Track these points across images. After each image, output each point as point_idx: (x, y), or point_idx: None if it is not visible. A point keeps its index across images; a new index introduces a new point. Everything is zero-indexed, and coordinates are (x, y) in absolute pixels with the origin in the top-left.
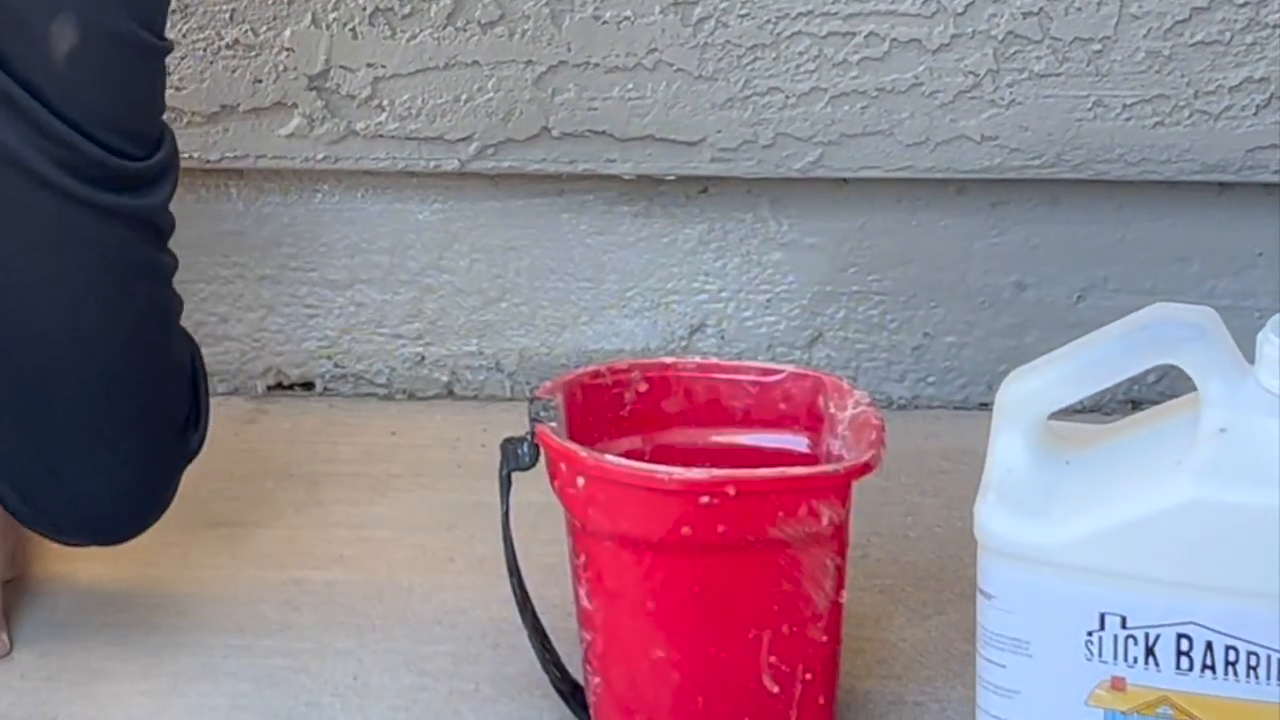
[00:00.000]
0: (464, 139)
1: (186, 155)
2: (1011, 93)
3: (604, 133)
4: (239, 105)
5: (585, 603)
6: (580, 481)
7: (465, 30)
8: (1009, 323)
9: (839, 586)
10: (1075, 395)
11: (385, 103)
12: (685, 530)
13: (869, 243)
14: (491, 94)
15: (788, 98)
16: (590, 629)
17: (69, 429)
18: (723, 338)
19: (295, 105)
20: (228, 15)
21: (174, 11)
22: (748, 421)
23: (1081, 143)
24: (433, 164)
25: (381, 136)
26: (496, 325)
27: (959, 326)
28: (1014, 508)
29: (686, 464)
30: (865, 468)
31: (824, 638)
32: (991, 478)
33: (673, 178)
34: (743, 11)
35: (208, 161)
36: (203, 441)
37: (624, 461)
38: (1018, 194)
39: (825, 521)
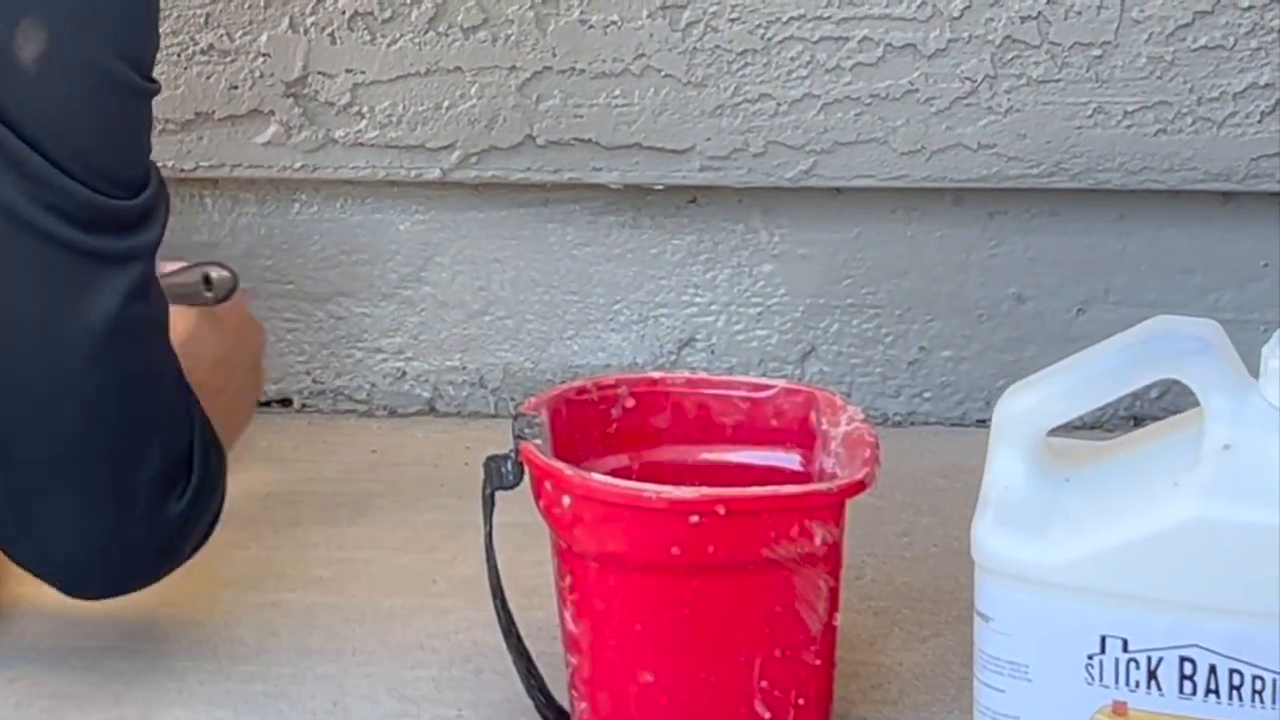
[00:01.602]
0: (446, 147)
1: (160, 164)
2: (1009, 99)
3: (590, 141)
4: (214, 112)
5: (571, 626)
6: (566, 501)
7: (447, 35)
8: (1007, 336)
9: (832, 609)
10: (1075, 411)
11: (365, 110)
12: (674, 551)
13: (863, 254)
14: (474, 101)
15: (779, 105)
16: (576, 653)
17: (39, 473)
18: (713, 352)
19: (272, 112)
20: (202, 19)
21: None
22: (738, 438)
23: (1081, 151)
24: (414, 173)
25: (361, 145)
26: (480, 340)
27: (956, 340)
28: (1012, 527)
29: (675, 482)
30: (859, 486)
31: (817, 661)
32: (989, 496)
33: (661, 187)
34: (733, 16)
35: (182, 170)
36: (199, 507)
37: (610, 480)
38: (1016, 204)
39: (818, 541)
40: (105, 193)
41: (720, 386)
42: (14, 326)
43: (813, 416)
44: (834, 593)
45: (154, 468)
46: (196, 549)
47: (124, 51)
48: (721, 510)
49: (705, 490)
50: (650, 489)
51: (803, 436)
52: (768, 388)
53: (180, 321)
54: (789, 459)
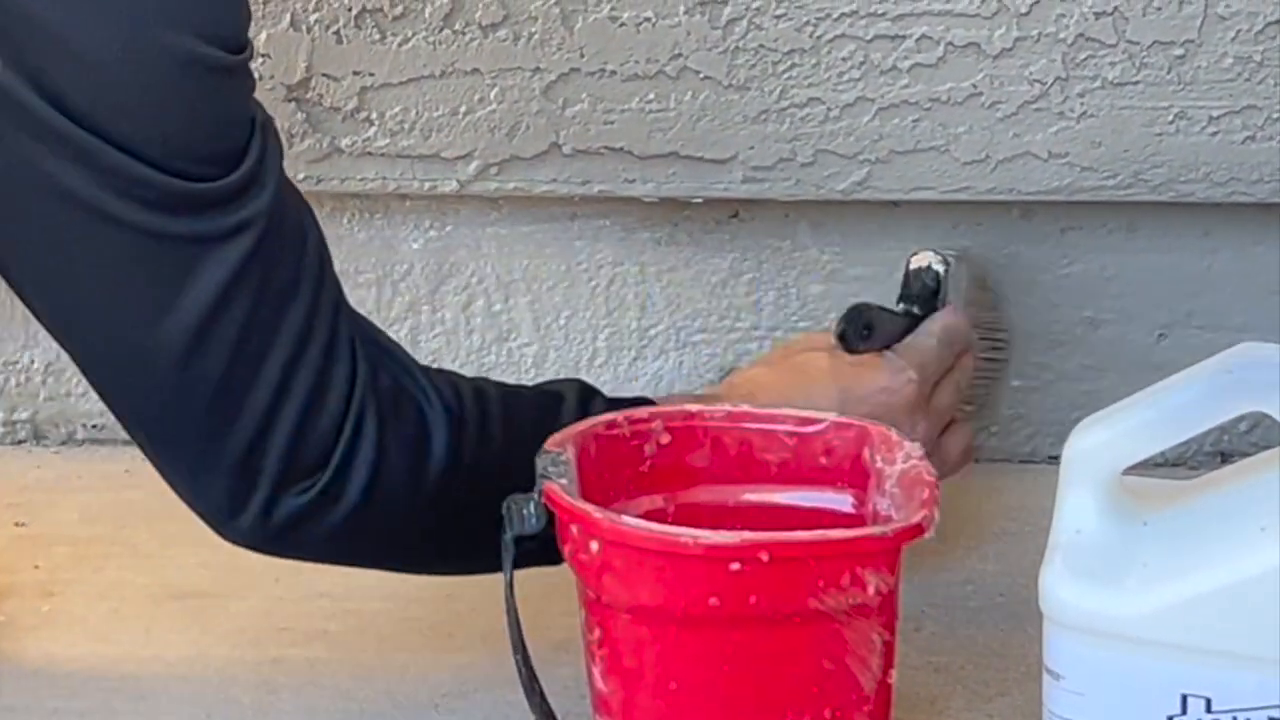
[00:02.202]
0: (463, 157)
1: None
2: (1082, 104)
3: (622, 149)
4: None
5: (600, 684)
6: (594, 546)
7: (464, 34)
8: (1081, 364)
9: (887, 665)
10: (1154, 447)
11: (374, 116)
12: (713, 601)
13: None
14: (494, 106)
15: (830, 110)
16: (606, 714)
17: (157, 452)
18: None
19: (272, 118)
20: None
21: None
22: (784, 478)
23: (1162, 160)
24: (428, 185)
25: (370, 154)
26: (500, 368)
27: (1025, 369)
28: (1084, 575)
29: (714, 526)
30: (917, 530)
31: None
32: (1059, 541)
33: (700, 200)
34: (778, 12)
35: None
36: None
37: (643, 523)
38: (1090, 218)
39: (872, 591)
40: (197, 175)
41: (764, 420)
42: (110, 305)
43: (866, 453)
44: (889, 647)
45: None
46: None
47: (206, 30)
48: (765, 557)
49: (747, 535)
50: (687, 533)
51: (855, 475)
52: (816, 422)
53: None
54: (840, 500)
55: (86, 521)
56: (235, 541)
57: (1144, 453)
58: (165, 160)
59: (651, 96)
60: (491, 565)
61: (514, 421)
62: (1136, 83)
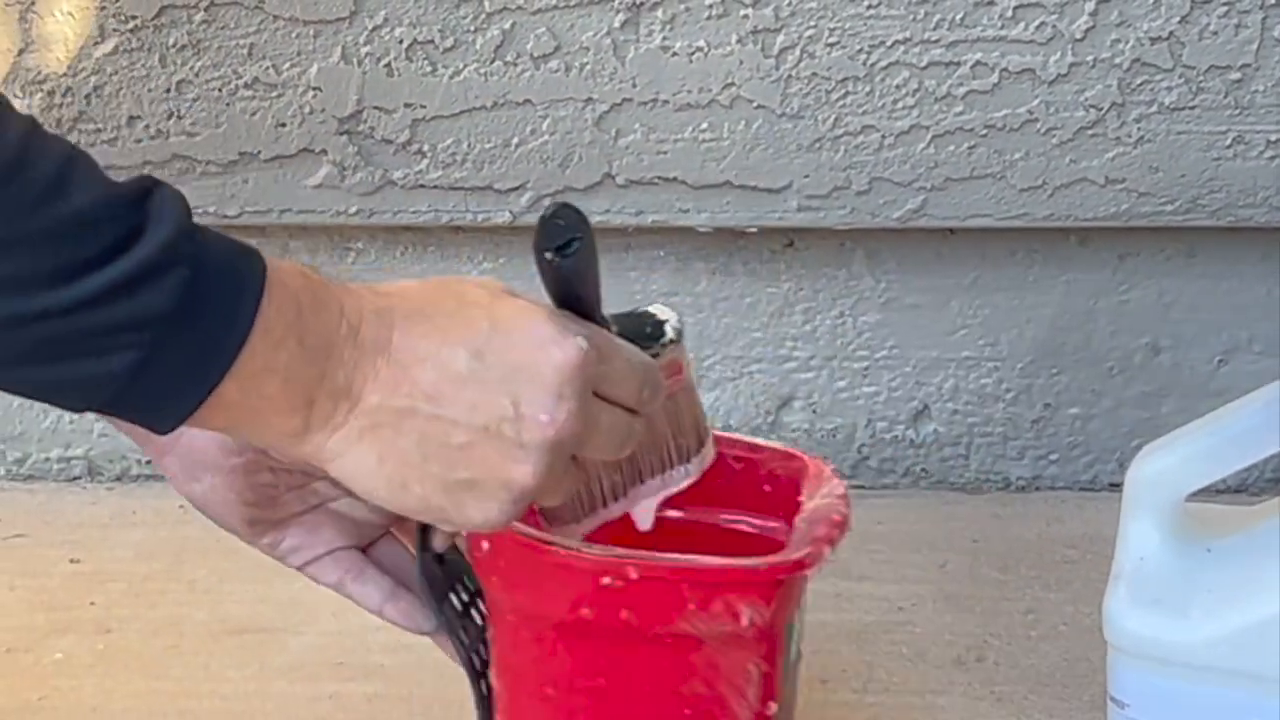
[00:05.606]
0: (516, 188)
1: (200, 209)
2: (1139, 129)
3: (675, 179)
4: (260, 153)
5: (495, 680)
6: (485, 545)
7: (516, 65)
8: (1141, 391)
9: (766, 696)
10: (1217, 474)
11: (426, 148)
12: (585, 612)
13: (980, 301)
14: (547, 137)
15: (884, 137)
16: (500, 709)
17: None
18: (814, 411)
19: (324, 152)
20: (245, 51)
21: (184, 48)
22: (726, 501)
23: (1220, 185)
24: (481, 217)
25: (422, 186)
26: None
27: (1084, 396)
28: (1149, 603)
29: (644, 541)
30: (796, 566)
31: None
32: (1123, 569)
33: (754, 230)
34: (831, 40)
35: (225, 216)
36: None
37: (525, 529)
38: (1149, 244)
39: (745, 622)
40: None
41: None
42: None
43: (802, 485)
44: (768, 679)
45: None
46: None
47: None
48: (634, 574)
49: (619, 551)
50: (564, 543)
51: (790, 505)
52: (763, 450)
53: None
54: (777, 528)
55: (142, 558)
56: None
57: (1206, 479)
58: None
59: (705, 126)
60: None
61: None
62: (1193, 107)
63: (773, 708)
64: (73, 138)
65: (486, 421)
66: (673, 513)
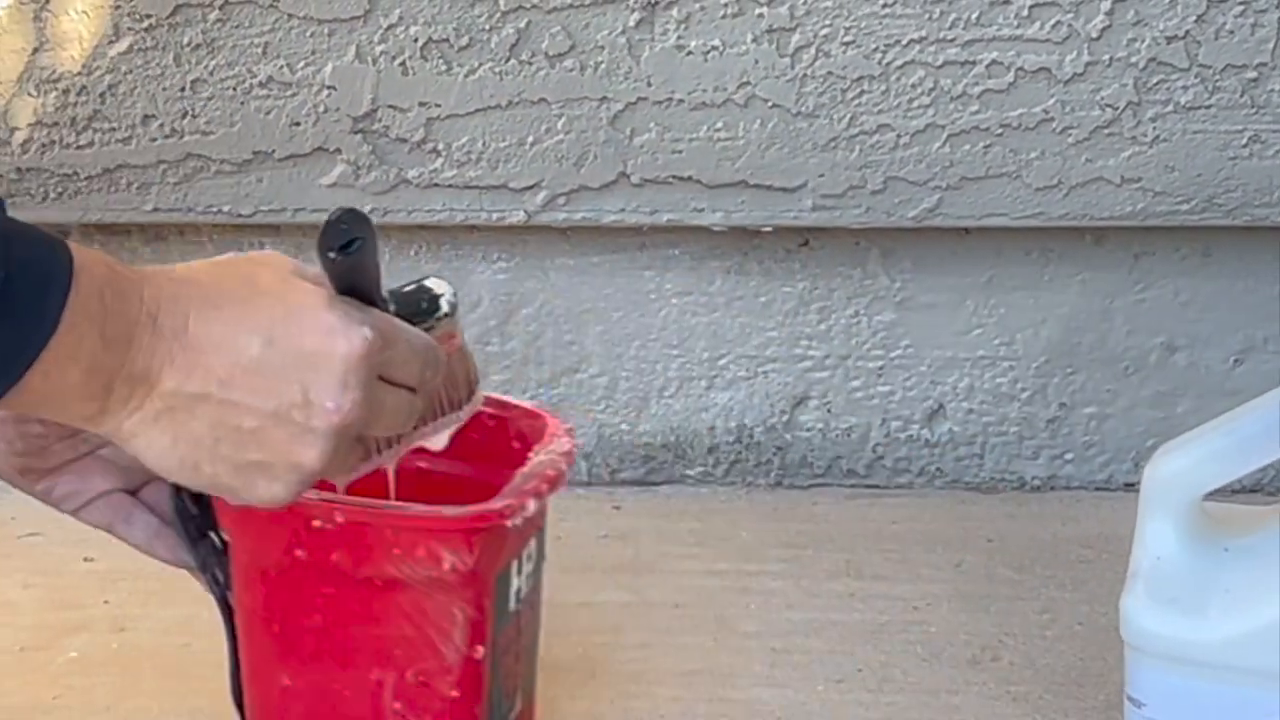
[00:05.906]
0: (531, 187)
1: (215, 209)
2: (1155, 128)
3: (690, 178)
4: (274, 152)
5: (238, 616)
6: None
7: (531, 63)
8: (1157, 390)
9: (474, 640)
10: (1233, 473)
11: (441, 147)
12: (299, 554)
13: (995, 300)
14: (562, 136)
15: (900, 136)
16: (241, 647)
17: None
18: (829, 410)
19: (338, 151)
20: (260, 50)
21: (199, 47)
22: (478, 453)
23: (1236, 184)
24: (496, 216)
25: (437, 185)
26: (570, 399)
27: (1100, 396)
28: (1165, 602)
29: (409, 491)
30: (493, 517)
31: (454, 693)
32: (1139, 568)
33: (770, 229)
34: (847, 39)
35: (239, 215)
36: None
37: None
38: (1164, 243)
39: (447, 567)
40: None
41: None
42: None
43: (538, 443)
44: (475, 624)
45: None
46: None
47: None
48: (340, 518)
49: (327, 495)
50: None
51: (525, 460)
52: (513, 409)
53: None
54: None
55: None
56: None
57: (1223, 479)
58: None
59: (720, 125)
60: None
61: None
62: (1209, 106)
63: (480, 651)
64: (87, 136)
65: (276, 407)
66: (428, 464)
